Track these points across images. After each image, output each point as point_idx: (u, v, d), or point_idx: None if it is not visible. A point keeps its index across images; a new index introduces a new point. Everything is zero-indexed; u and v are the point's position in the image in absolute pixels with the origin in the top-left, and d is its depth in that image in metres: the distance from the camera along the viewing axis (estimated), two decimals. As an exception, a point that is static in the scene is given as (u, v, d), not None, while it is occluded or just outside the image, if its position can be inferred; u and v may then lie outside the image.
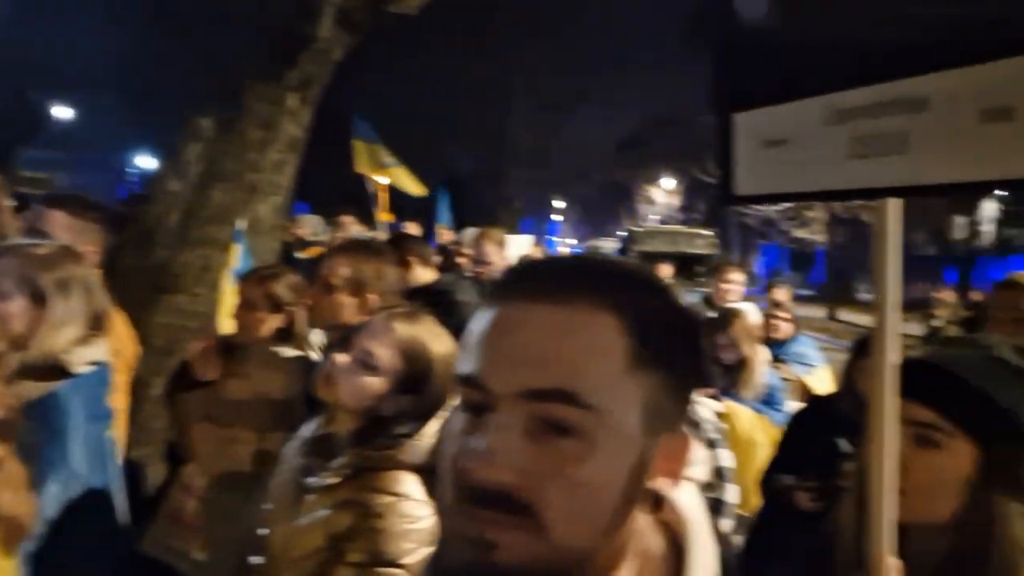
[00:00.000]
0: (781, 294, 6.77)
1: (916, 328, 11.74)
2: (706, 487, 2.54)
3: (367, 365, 1.82)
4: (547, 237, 36.49)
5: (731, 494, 2.84)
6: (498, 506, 0.64)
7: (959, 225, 31.50)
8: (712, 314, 4.69)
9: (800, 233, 29.50)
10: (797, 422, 3.25)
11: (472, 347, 0.70)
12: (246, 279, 3.00)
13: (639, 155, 45.52)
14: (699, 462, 2.10)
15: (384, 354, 1.82)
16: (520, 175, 35.95)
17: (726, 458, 2.86)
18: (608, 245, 25.86)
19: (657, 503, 0.73)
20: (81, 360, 2.02)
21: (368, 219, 8.09)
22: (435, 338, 1.87)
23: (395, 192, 8.34)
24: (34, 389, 1.89)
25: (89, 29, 27.43)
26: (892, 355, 1.23)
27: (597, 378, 0.65)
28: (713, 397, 4.03)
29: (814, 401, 3.74)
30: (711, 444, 2.76)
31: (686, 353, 0.72)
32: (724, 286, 5.63)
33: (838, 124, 1.26)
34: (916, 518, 1.27)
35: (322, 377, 1.93)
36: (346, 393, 1.83)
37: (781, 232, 30.32)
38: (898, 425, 1.24)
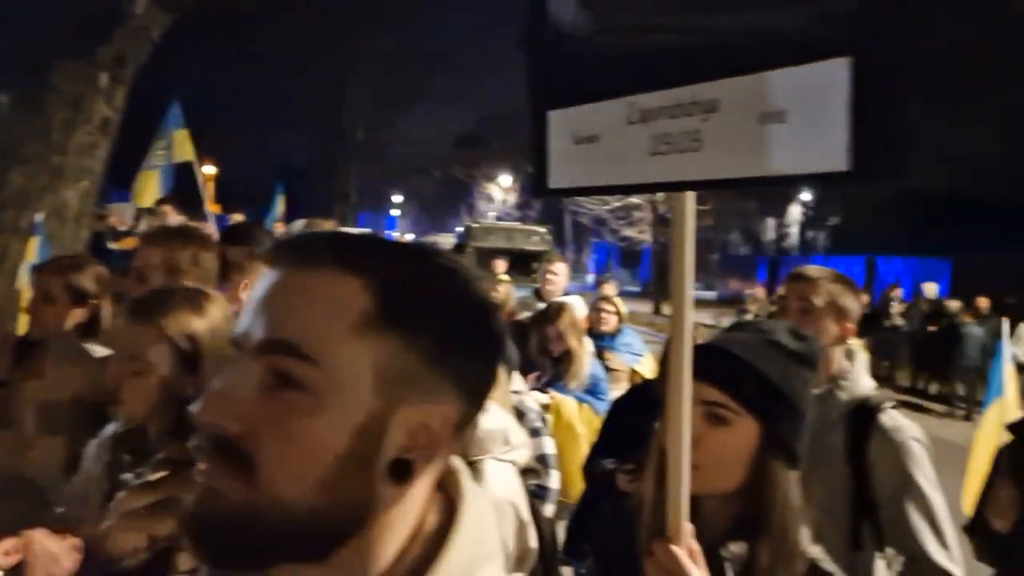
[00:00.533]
0: (609, 289, 7.13)
1: (730, 322, 12.63)
2: (530, 473, 2.61)
3: (134, 371, 1.69)
4: (385, 231, 36.11)
5: (554, 480, 2.94)
6: (223, 454, 0.66)
7: (769, 227, 34.19)
8: (541, 306, 4.84)
9: (629, 232, 30.72)
10: (617, 408, 3.42)
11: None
12: (43, 270, 2.76)
13: (477, 152, 45.98)
14: (523, 447, 2.16)
15: (143, 354, 1.70)
16: (357, 168, 35.29)
17: (549, 446, 2.95)
18: (446, 240, 25.93)
19: (405, 475, 0.70)
20: None
21: (193, 209, 7.68)
22: (191, 313, 1.76)
23: (224, 182, 7.99)
24: None
25: None
26: (686, 339, 1.33)
27: (324, 334, 0.67)
28: (541, 389, 4.17)
29: (633, 388, 3.95)
30: (535, 432, 2.84)
31: (451, 325, 0.71)
32: (548, 276, 5.90)
33: (641, 123, 1.34)
34: (708, 489, 1.39)
35: (109, 392, 1.78)
36: (131, 404, 1.72)
37: (612, 231, 31.46)
38: (691, 405, 1.33)
